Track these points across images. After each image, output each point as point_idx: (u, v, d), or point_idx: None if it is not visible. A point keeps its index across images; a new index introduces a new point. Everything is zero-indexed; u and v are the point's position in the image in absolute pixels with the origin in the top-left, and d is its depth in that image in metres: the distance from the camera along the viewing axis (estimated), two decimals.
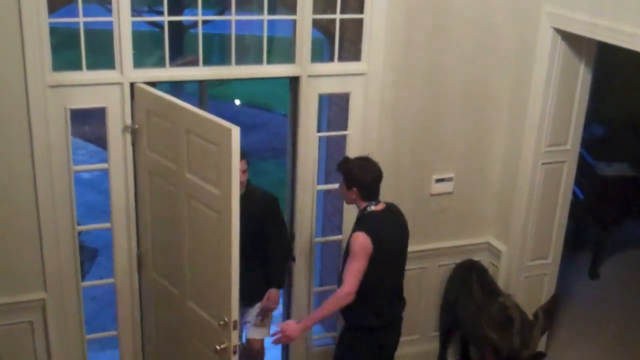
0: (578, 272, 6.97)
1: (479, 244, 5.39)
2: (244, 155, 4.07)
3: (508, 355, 4.55)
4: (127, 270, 4.60)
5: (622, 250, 7.47)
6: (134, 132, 4.34)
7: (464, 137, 5.15)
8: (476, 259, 5.35)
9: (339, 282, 4.21)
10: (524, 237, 5.25)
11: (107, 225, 4.54)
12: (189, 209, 4.11)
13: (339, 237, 5.08)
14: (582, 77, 4.94)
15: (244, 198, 4.08)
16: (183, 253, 4.23)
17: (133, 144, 4.38)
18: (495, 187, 5.34)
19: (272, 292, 4.65)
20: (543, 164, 5.08)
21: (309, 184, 4.81)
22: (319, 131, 4.84)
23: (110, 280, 4.66)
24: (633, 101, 7.28)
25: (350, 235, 4.13)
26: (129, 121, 4.32)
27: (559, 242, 5.42)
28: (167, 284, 4.46)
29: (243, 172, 4.35)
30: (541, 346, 5.25)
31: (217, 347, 4.01)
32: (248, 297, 4.55)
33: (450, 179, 5.21)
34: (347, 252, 4.16)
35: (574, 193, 5.69)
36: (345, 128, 4.88)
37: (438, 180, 5.17)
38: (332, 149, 5.36)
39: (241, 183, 4.21)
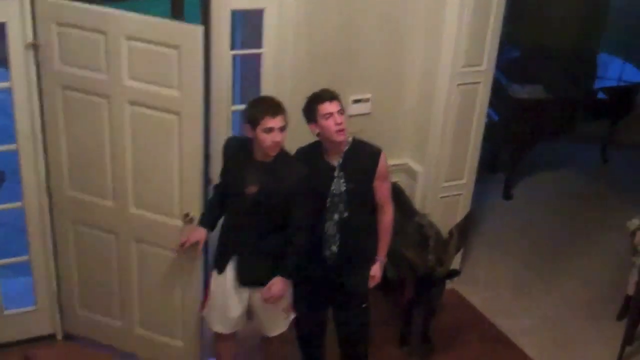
0: (492, 193, 7.13)
1: (397, 165, 5.42)
2: (281, 110, 3.84)
3: (424, 273, 4.65)
4: (36, 192, 4.45)
5: (534, 172, 7.66)
6: (37, 48, 4.14)
7: (380, 58, 5.11)
8: (394, 180, 5.38)
9: (359, 208, 4.10)
10: (439, 158, 5.31)
11: (13, 146, 4.37)
12: (132, 116, 4.11)
13: None
14: None
15: (272, 166, 3.91)
16: (122, 163, 4.24)
17: (37, 61, 4.18)
18: (412, 108, 5.35)
19: (277, 281, 4.02)
20: (458, 85, 5.11)
21: (224, 104, 4.70)
22: (232, 49, 4.71)
23: (18, 203, 4.50)
24: (547, 23, 7.36)
25: (371, 155, 4.08)
26: (30, 37, 4.11)
27: (474, 163, 5.50)
28: (93, 199, 4.40)
29: (280, 129, 3.83)
30: (456, 264, 5.39)
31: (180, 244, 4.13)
32: (250, 277, 4.08)
33: (367, 100, 5.19)
34: (368, 173, 4.07)
35: (489, 115, 5.77)
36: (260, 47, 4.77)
37: (355, 101, 5.14)
38: (247, 69, 5.25)
39: (276, 144, 3.84)
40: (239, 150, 4.00)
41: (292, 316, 4.27)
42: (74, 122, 4.29)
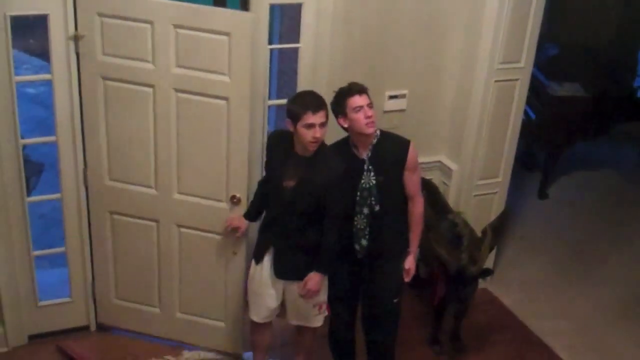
0: (527, 192, 7.07)
1: (431, 162, 5.40)
2: (323, 106, 3.86)
3: (456, 271, 4.62)
4: (74, 184, 4.51)
5: (571, 172, 7.58)
6: (79, 40, 4.19)
7: (418, 54, 5.08)
8: (428, 177, 5.36)
9: (389, 201, 4.10)
10: (475, 156, 5.27)
11: (52, 138, 4.42)
12: (177, 103, 4.25)
13: None
14: None
15: (311, 161, 3.94)
16: (167, 150, 4.35)
17: (78, 53, 4.23)
18: (448, 105, 5.31)
19: (313, 276, 4.05)
20: (496, 81, 5.06)
21: (260, 98, 4.71)
22: (270, 44, 4.72)
23: (57, 195, 4.56)
24: (587, 22, 7.26)
25: (399, 146, 4.08)
26: (72, 29, 4.16)
27: (509, 162, 5.45)
28: (134, 188, 4.49)
29: (321, 125, 3.83)
30: (489, 263, 5.36)
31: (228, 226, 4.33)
32: (286, 270, 4.13)
33: (403, 96, 5.16)
34: (398, 164, 4.07)
35: (526, 113, 5.72)
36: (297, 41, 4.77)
37: (391, 97, 5.12)
38: (284, 63, 5.26)
39: (316, 140, 3.84)
40: (281, 144, 4.03)
41: (326, 313, 4.28)
42: (115, 112, 4.35)
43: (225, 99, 4.19)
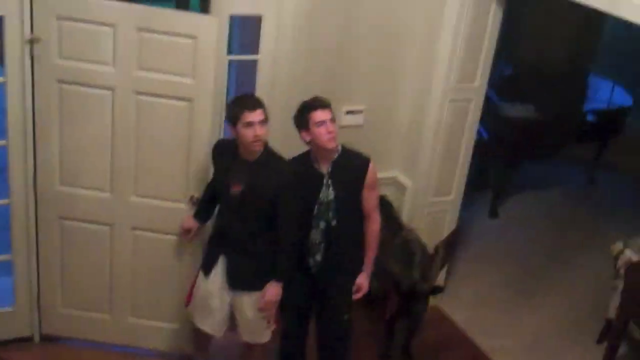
0: (479, 211, 7.14)
1: (386, 178, 5.42)
2: (259, 104, 3.88)
3: (408, 288, 4.64)
4: (24, 189, 4.42)
5: (521, 191, 7.68)
6: (35, 43, 4.12)
7: (375, 70, 5.12)
8: (383, 193, 5.37)
9: (346, 216, 4.10)
10: (429, 173, 5.32)
11: (2, 142, 4.32)
12: (137, 105, 4.25)
13: None
14: (493, 14, 4.96)
15: (257, 165, 3.92)
16: (125, 153, 4.34)
17: (32, 56, 4.15)
18: (404, 122, 5.35)
19: (271, 286, 4.04)
20: (451, 100, 5.13)
21: (217, 108, 4.67)
22: (229, 54, 4.70)
23: (5, 200, 4.46)
24: (541, 44, 7.38)
25: (360, 163, 4.10)
26: (28, 31, 4.08)
27: (462, 180, 5.52)
28: (87, 192, 4.45)
29: (260, 123, 3.84)
30: (440, 280, 5.39)
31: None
32: (238, 280, 4.10)
33: (360, 112, 5.19)
34: (357, 181, 4.08)
35: (479, 132, 5.78)
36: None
37: (348, 112, 5.14)
38: (243, 75, 5.23)
39: (257, 138, 3.84)
40: (226, 151, 4.04)
41: (274, 327, 4.25)
42: (70, 116, 4.29)
43: (189, 100, 4.22)
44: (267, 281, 4.03)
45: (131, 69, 4.19)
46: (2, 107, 4.26)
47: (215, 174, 4.18)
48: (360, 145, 5.17)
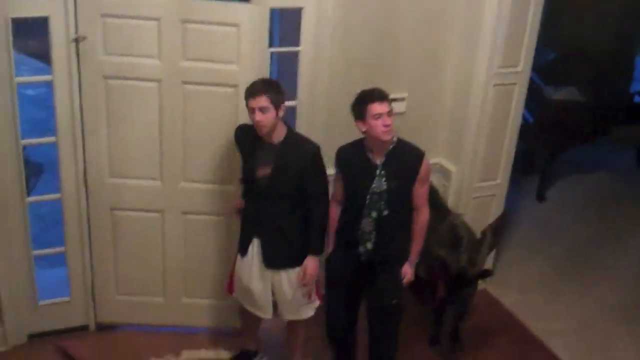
0: (526, 195, 7.09)
1: (431, 164, 5.39)
2: (261, 91, 3.94)
3: (456, 272, 4.64)
4: (74, 184, 4.52)
5: (568, 175, 7.60)
6: (80, 41, 4.20)
7: (417, 57, 5.09)
8: None
9: (398, 207, 4.12)
10: (474, 159, 5.29)
11: (52, 139, 4.43)
12: (184, 94, 4.37)
13: None
14: None
15: (282, 147, 4.04)
16: (174, 141, 4.47)
17: (78, 54, 4.24)
18: (447, 108, 5.33)
19: (309, 260, 4.16)
20: (495, 85, 5.09)
21: None
22: (270, 46, 4.74)
23: (57, 195, 4.57)
24: (585, 27, 7.30)
25: (414, 156, 4.12)
26: (73, 30, 4.17)
27: (508, 164, 5.47)
28: (136, 182, 4.57)
29: (261, 110, 3.91)
30: (488, 264, 5.38)
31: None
32: (274, 259, 4.21)
33: (402, 99, 5.17)
34: (410, 173, 4.10)
35: (524, 116, 5.74)
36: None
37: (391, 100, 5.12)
38: (284, 67, 5.27)
39: (257, 123, 3.93)
40: (247, 135, 4.14)
41: (317, 303, 4.33)
42: (117, 109, 4.40)
43: (234, 85, 4.32)
44: (303, 257, 4.15)
45: (177, 60, 4.30)
46: (51, 105, 4.36)
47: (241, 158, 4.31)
48: (403, 132, 5.17)
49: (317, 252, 4.16)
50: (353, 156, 4.13)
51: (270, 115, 3.94)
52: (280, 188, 4.07)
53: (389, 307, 4.30)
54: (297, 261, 4.17)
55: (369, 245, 4.15)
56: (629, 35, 7.62)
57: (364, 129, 4.02)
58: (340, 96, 4.55)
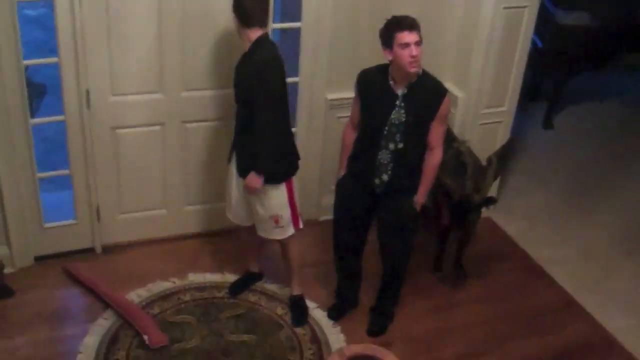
0: (533, 122, 7.04)
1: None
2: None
3: (460, 199, 4.63)
4: (77, 104, 4.48)
5: (576, 102, 7.53)
6: None
7: None
8: None
9: (414, 141, 4.07)
10: (481, 84, 5.22)
11: (54, 59, 4.36)
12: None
13: (295, 79, 4.95)
14: None
15: (245, 54, 4.03)
16: (174, 49, 4.51)
17: None
18: (455, 33, 5.22)
19: (250, 175, 4.12)
20: (504, 8, 4.98)
21: None
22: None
23: (60, 117, 4.53)
24: None
25: (436, 93, 4.04)
26: None
27: (516, 91, 5.40)
28: (139, 97, 4.60)
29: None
30: (493, 192, 5.37)
31: None
32: (239, 168, 4.24)
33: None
34: (429, 110, 4.02)
35: (533, 42, 5.64)
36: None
37: None
38: (285, 42, 5.18)
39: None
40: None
41: (290, 231, 4.33)
42: (118, 25, 4.35)
43: None
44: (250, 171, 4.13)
45: None
46: (51, 25, 4.28)
47: None
48: None
49: (260, 169, 4.07)
50: (375, 82, 4.05)
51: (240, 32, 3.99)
52: (238, 97, 4.12)
53: (402, 233, 4.30)
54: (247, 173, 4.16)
55: (385, 177, 4.12)
56: None
57: (390, 58, 3.92)
58: (346, 16, 4.48)
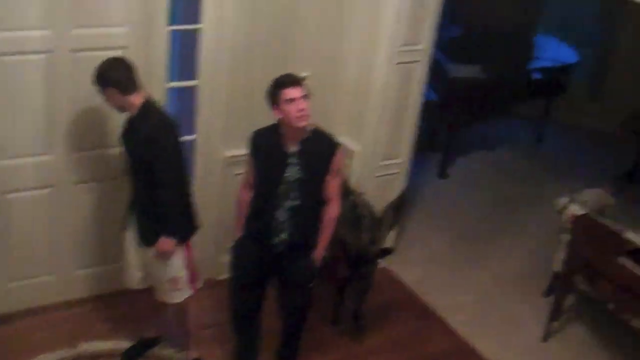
0: (430, 172, 7.23)
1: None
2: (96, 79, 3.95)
3: (357, 251, 4.70)
4: None
5: (471, 151, 7.78)
6: None
7: (319, 36, 5.09)
8: None
9: (310, 197, 4.10)
10: (376, 137, 5.36)
11: None
12: (73, 63, 4.32)
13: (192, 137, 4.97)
14: None
15: (131, 121, 4.01)
16: (64, 109, 4.42)
17: None
18: (350, 87, 5.35)
19: (161, 239, 4.07)
20: (397, 63, 5.15)
21: (159, 80, 4.64)
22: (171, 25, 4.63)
23: None
24: (487, 5, 7.45)
25: (328, 147, 4.09)
26: None
27: (410, 143, 5.57)
28: (27, 160, 4.49)
29: (107, 99, 4.00)
30: (390, 242, 5.47)
31: None
32: (138, 236, 4.21)
33: (304, 78, 5.16)
34: (323, 164, 4.07)
35: (428, 94, 5.83)
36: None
37: None
38: (185, 47, 5.18)
39: (108, 103, 3.97)
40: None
41: (188, 292, 4.29)
42: (3, 88, 4.23)
43: (124, 47, 4.32)
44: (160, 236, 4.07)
45: (65, 30, 4.21)
46: None
47: None
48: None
49: (168, 234, 4.05)
50: (267, 141, 4.08)
51: (115, 98, 3.96)
52: (129, 162, 4.10)
53: (305, 291, 4.32)
54: (154, 239, 4.09)
55: (284, 236, 4.13)
56: (529, 13, 7.83)
57: (279, 116, 3.98)
58: (242, 75, 4.52)
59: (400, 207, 5.14)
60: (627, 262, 4.94)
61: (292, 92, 3.91)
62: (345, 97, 5.38)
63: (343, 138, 5.46)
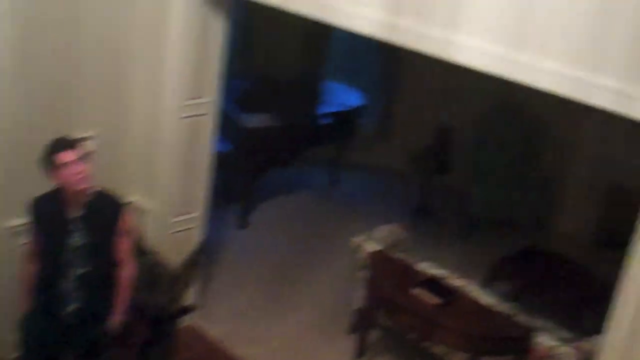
0: (229, 223, 7.21)
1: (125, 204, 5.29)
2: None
3: (156, 313, 4.57)
4: None
5: (268, 198, 7.85)
6: None
7: (103, 93, 4.95)
8: None
9: (100, 262, 3.93)
10: (169, 194, 5.28)
11: None
12: None
13: None
14: (215, 32, 5.03)
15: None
16: None
17: None
18: (138, 144, 5.24)
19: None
20: (183, 117, 5.12)
21: None
22: None
23: None
24: (273, 58, 7.67)
25: (113, 208, 3.95)
26: None
27: (205, 196, 5.52)
28: None
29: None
30: (194, 299, 5.37)
31: None
32: None
33: (90, 138, 5.00)
34: (109, 226, 3.93)
35: (222, 146, 5.84)
36: None
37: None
38: None
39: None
40: None
41: None
42: None
43: None
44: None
45: None
46: None
47: None
48: (95, 171, 5.03)
49: None
50: (48, 208, 3.91)
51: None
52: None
53: (101, 349, 4.13)
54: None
55: (74, 306, 3.95)
56: (314, 60, 8.12)
57: (57, 181, 3.82)
58: (24, 136, 4.29)
59: (196, 262, 5.08)
60: (421, 292, 5.17)
61: (66, 156, 3.78)
62: (135, 154, 5.26)
63: (135, 197, 5.34)
